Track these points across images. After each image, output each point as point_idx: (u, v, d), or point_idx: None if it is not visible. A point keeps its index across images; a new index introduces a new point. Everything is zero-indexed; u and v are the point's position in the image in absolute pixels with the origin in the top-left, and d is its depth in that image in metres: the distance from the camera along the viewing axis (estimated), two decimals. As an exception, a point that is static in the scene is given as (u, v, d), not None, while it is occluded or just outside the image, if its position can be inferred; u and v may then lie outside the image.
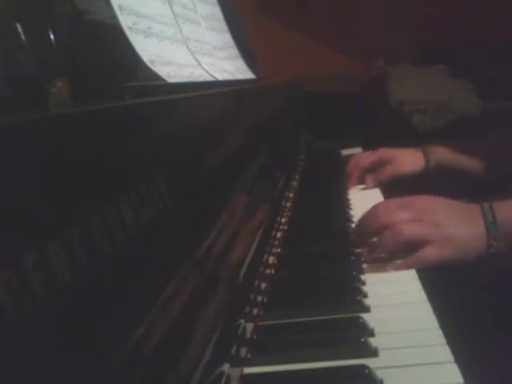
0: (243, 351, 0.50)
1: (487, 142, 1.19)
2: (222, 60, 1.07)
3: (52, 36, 0.53)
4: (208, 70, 0.91)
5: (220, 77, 0.95)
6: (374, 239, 0.75)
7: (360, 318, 0.56)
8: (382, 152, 1.22)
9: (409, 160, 1.19)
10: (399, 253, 0.72)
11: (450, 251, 0.71)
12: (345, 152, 1.59)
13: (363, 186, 1.20)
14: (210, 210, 0.53)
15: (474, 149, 1.17)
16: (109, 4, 0.65)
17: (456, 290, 0.85)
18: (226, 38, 1.19)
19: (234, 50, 1.21)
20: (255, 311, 0.58)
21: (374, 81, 2.14)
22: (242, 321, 0.51)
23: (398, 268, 0.71)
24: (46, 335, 0.25)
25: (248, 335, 0.53)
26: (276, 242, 0.78)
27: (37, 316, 0.24)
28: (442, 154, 1.18)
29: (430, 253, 0.71)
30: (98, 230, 0.30)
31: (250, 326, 0.54)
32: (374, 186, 1.18)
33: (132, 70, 0.65)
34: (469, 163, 1.16)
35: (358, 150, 1.59)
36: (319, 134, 1.80)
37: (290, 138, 1.46)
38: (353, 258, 0.74)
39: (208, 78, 0.89)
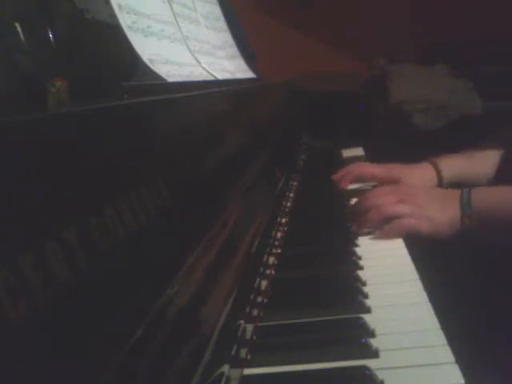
0: (243, 352, 0.50)
1: (489, 149, 1.11)
2: (222, 59, 1.07)
3: (51, 35, 0.53)
4: (208, 69, 0.91)
5: (220, 76, 0.95)
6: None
7: (361, 318, 0.56)
8: (389, 166, 1.09)
9: (419, 178, 1.05)
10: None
11: (428, 226, 0.82)
12: (345, 152, 1.59)
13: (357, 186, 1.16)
14: (210, 210, 0.53)
15: (484, 158, 1.09)
16: (108, 3, 0.65)
17: (457, 291, 0.85)
18: (226, 36, 1.19)
19: (233, 49, 1.21)
20: (255, 312, 0.57)
21: (374, 80, 2.14)
22: (242, 322, 0.51)
23: (381, 235, 0.82)
24: (44, 335, 0.24)
25: (248, 336, 0.53)
26: (276, 242, 0.77)
27: (35, 316, 0.24)
28: (454, 170, 1.07)
29: (409, 221, 0.82)
30: (97, 230, 0.30)
31: (249, 327, 0.53)
32: None
33: (131, 69, 0.65)
34: (482, 174, 1.07)
35: (358, 149, 1.59)
36: (319, 134, 1.80)
37: (289, 138, 1.46)
38: (353, 258, 0.74)
39: (208, 77, 0.88)
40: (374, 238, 0.83)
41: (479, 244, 0.85)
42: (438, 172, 1.07)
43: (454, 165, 1.08)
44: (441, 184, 1.06)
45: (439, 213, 0.83)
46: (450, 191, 0.87)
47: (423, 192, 0.88)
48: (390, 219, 0.83)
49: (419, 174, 1.06)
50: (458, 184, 1.03)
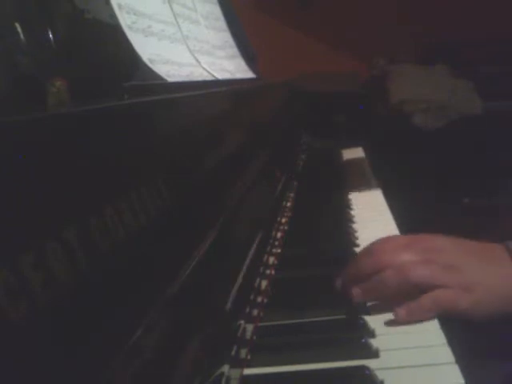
0: (243, 352, 0.50)
1: None
2: (222, 59, 1.07)
3: (51, 36, 0.53)
4: (208, 69, 0.91)
5: (220, 76, 0.95)
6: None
7: (361, 318, 0.56)
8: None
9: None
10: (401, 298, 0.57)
11: (468, 297, 0.56)
12: (345, 152, 1.59)
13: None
14: (210, 210, 0.53)
15: None
16: (108, 3, 0.65)
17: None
18: (226, 36, 1.19)
19: (233, 49, 1.21)
20: (255, 312, 0.57)
21: (374, 80, 2.14)
22: (242, 322, 0.51)
23: (407, 316, 0.55)
24: (44, 335, 0.24)
25: (248, 336, 0.53)
26: (276, 242, 0.77)
27: (35, 316, 0.24)
28: None
29: (447, 295, 0.56)
30: (97, 230, 0.30)
31: (249, 327, 0.53)
32: None
33: (131, 69, 0.65)
34: None
35: (358, 149, 1.59)
36: (319, 134, 1.80)
37: (289, 138, 1.46)
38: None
39: (208, 77, 0.88)
40: (393, 322, 0.56)
41: None
42: None
43: None
44: None
45: (482, 275, 0.57)
46: (487, 244, 0.61)
47: (453, 246, 0.61)
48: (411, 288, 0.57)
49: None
50: None
